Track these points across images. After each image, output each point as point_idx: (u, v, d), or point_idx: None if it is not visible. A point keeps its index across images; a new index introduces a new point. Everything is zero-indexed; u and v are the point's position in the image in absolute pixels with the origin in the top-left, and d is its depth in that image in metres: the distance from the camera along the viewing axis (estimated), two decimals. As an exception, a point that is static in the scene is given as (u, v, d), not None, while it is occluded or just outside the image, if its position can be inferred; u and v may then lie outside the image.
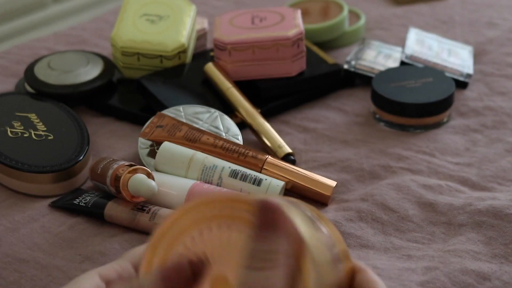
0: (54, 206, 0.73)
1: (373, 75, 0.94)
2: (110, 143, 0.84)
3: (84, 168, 0.77)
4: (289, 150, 0.79)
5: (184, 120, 0.80)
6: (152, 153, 0.77)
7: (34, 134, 0.79)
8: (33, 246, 0.67)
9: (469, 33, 1.11)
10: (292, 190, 0.73)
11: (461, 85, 0.94)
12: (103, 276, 0.44)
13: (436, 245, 0.66)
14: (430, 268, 0.62)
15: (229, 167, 0.72)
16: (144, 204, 0.69)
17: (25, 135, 0.79)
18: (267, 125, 0.82)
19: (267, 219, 0.36)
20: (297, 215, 0.38)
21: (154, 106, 0.85)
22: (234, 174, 0.71)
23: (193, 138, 0.76)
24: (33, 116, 0.82)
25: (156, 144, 0.78)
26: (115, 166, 0.70)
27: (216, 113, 0.82)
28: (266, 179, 0.71)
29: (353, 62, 0.96)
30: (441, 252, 0.64)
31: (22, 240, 0.68)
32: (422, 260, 0.63)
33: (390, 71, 0.92)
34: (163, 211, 0.67)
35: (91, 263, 0.64)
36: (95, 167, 0.73)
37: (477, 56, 1.03)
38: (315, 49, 0.97)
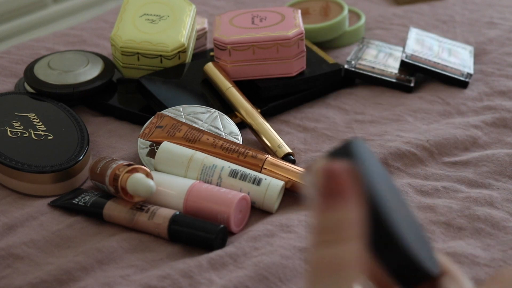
0: (53, 205, 0.73)
1: (373, 75, 0.94)
2: (110, 143, 0.84)
3: (84, 168, 0.77)
4: (289, 150, 0.79)
5: (183, 120, 0.80)
6: (152, 153, 0.77)
7: (34, 134, 0.79)
8: (29, 242, 0.67)
9: (469, 33, 1.11)
10: (292, 190, 0.73)
11: (462, 84, 0.94)
12: None
13: (436, 245, 0.66)
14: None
15: (229, 167, 0.72)
16: (143, 203, 0.68)
17: (24, 135, 0.78)
18: (267, 125, 0.82)
19: (331, 187, 0.31)
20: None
21: (154, 106, 0.85)
22: (233, 174, 0.71)
23: (193, 138, 0.76)
24: (32, 116, 0.82)
25: (155, 144, 0.77)
26: (114, 165, 0.70)
27: (216, 113, 0.82)
28: (265, 179, 0.71)
29: (353, 62, 0.96)
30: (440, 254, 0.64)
31: (18, 236, 0.68)
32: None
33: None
34: (162, 210, 0.67)
35: (86, 257, 0.64)
36: (94, 166, 0.73)
37: (477, 56, 1.03)
38: (315, 49, 0.97)
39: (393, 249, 0.33)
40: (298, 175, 0.73)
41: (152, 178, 0.69)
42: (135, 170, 0.68)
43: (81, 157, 0.76)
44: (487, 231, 0.67)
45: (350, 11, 1.11)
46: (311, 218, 0.32)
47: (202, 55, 1.00)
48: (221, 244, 0.66)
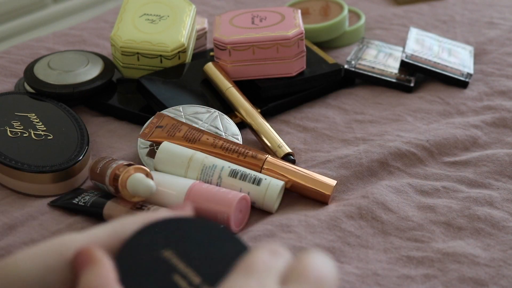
0: (53, 205, 0.73)
1: (373, 75, 0.95)
2: (110, 143, 0.84)
3: (84, 168, 0.77)
4: (289, 150, 0.79)
5: (183, 120, 0.80)
6: (152, 153, 0.77)
7: (34, 134, 0.79)
8: (29, 242, 0.67)
9: (469, 33, 1.11)
10: (292, 190, 0.73)
11: (462, 84, 0.94)
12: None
13: (436, 244, 0.66)
14: (429, 276, 0.62)
15: (229, 167, 0.72)
16: (143, 203, 0.68)
17: (24, 135, 0.78)
18: (267, 125, 0.82)
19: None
20: None
21: (154, 106, 0.85)
22: (233, 174, 0.71)
23: (193, 138, 0.76)
24: (32, 116, 0.82)
25: (155, 144, 0.77)
26: (114, 165, 0.70)
27: (216, 113, 0.82)
28: (265, 179, 0.71)
29: (353, 62, 0.96)
30: (440, 254, 0.64)
31: (19, 235, 0.68)
32: (421, 264, 0.63)
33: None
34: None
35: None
36: (95, 166, 0.73)
37: (477, 56, 1.03)
38: (315, 49, 0.97)
39: None
40: (298, 175, 0.73)
41: (152, 178, 0.69)
42: (135, 170, 0.68)
43: (81, 157, 0.76)
44: (487, 231, 0.67)
45: (350, 11, 1.11)
46: None
47: (202, 55, 1.00)
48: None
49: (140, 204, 0.68)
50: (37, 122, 0.81)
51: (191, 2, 0.97)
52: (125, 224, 0.41)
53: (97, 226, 0.42)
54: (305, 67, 0.91)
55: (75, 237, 0.41)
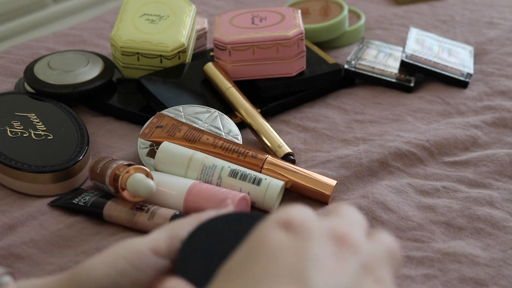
0: (53, 205, 0.73)
1: (373, 75, 0.94)
2: (110, 143, 0.84)
3: (84, 168, 0.77)
4: (289, 150, 0.79)
5: (183, 120, 0.80)
6: (152, 153, 0.77)
7: (34, 134, 0.79)
8: (30, 242, 0.67)
9: (469, 33, 1.11)
10: (292, 190, 0.73)
11: (462, 84, 0.94)
12: (156, 252, 0.42)
13: (436, 244, 0.66)
14: (429, 276, 0.62)
15: (229, 167, 0.72)
16: (143, 203, 0.68)
17: (24, 135, 0.78)
18: (267, 125, 0.82)
19: None
20: None
21: (154, 106, 0.85)
22: (233, 174, 0.71)
23: (193, 138, 0.76)
24: (32, 116, 0.82)
25: (155, 144, 0.77)
26: (114, 165, 0.70)
27: (216, 113, 0.82)
28: (265, 179, 0.71)
29: (353, 62, 0.96)
30: (440, 254, 0.64)
31: (19, 235, 0.68)
32: (421, 264, 0.63)
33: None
34: (162, 210, 0.67)
35: (86, 257, 0.64)
36: (95, 166, 0.73)
37: (477, 56, 1.03)
38: (315, 49, 0.97)
39: None
40: (298, 175, 0.73)
41: (152, 178, 0.69)
42: (135, 170, 0.68)
43: (81, 157, 0.76)
44: (487, 231, 0.67)
45: (350, 11, 1.11)
46: None
47: (202, 55, 1.00)
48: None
49: (140, 204, 0.68)
50: (37, 122, 0.81)
51: (191, 2, 0.97)
52: (181, 226, 0.44)
53: (156, 231, 0.44)
54: (305, 67, 0.91)
55: (139, 241, 0.43)
